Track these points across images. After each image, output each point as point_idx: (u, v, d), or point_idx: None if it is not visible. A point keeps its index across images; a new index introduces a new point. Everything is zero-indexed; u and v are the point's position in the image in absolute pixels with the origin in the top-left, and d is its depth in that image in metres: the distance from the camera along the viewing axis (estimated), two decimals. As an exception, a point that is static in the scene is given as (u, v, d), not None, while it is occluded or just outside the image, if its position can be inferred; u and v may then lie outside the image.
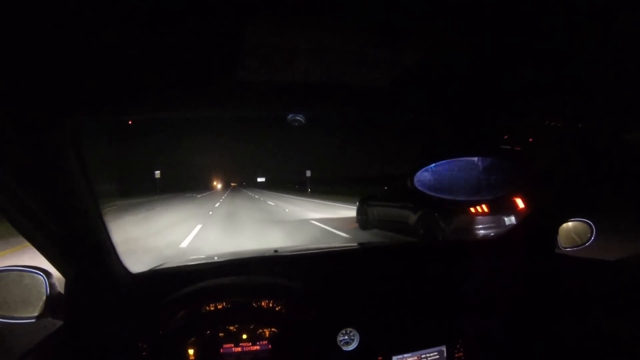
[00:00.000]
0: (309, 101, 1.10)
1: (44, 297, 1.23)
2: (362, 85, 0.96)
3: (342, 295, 1.53)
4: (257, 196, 33.43)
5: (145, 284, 1.49)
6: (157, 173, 34.26)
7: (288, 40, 0.73)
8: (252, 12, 0.66)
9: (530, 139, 1.45)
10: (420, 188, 1.28)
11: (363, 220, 9.80)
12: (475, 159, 1.30)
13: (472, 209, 5.02)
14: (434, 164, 1.27)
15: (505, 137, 1.39)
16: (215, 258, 1.96)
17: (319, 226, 10.94)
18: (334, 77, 0.90)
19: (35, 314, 1.23)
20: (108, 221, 1.29)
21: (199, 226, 11.38)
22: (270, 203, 22.59)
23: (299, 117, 1.15)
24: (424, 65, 0.88)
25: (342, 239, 8.66)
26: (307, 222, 12.10)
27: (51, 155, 1.00)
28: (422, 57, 0.83)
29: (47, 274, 1.25)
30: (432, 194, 1.30)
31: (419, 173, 1.27)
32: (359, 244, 2.07)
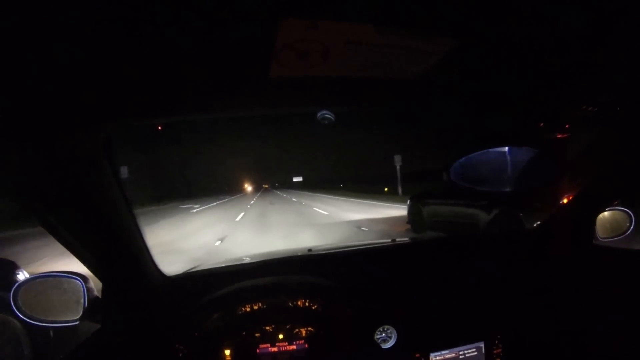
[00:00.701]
0: (343, 96, 1.09)
1: (82, 301, 1.26)
2: (395, 77, 0.94)
3: (379, 292, 1.51)
4: (290, 197, 32.46)
5: (180, 286, 1.50)
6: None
7: (322, 35, 0.72)
8: (286, 8, 0.64)
9: (567, 125, 1.40)
10: (457, 181, 1.25)
11: (416, 222, 8.89)
12: (512, 148, 1.27)
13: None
14: (470, 156, 1.24)
15: (541, 124, 1.35)
16: (249, 259, 1.97)
17: (363, 231, 9.95)
18: (368, 71, 0.89)
19: (75, 318, 1.26)
20: (142, 225, 1.31)
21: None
22: (305, 204, 21.69)
23: (328, 115, 1.13)
24: (457, 55, 0.86)
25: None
26: (348, 224, 11.07)
27: (85, 164, 1.01)
28: (455, 47, 0.81)
29: (85, 278, 1.28)
30: (470, 185, 1.27)
31: (455, 165, 1.24)
32: (392, 240, 2.05)
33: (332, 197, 28.75)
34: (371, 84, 0.98)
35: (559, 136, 1.40)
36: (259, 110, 1.12)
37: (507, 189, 1.31)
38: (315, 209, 17.96)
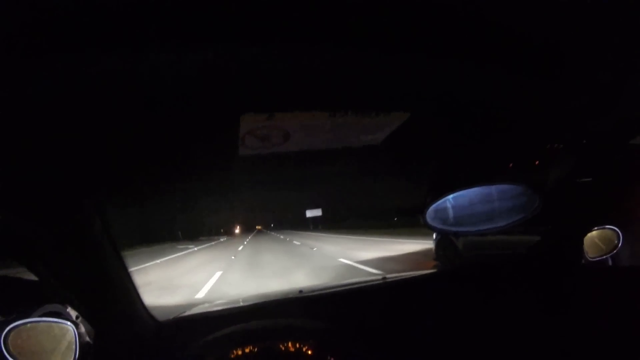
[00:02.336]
0: (309, 166, 1.12)
1: (74, 347, 1.28)
2: (355, 146, 0.97)
3: (371, 332, 1.51)
4: (283, 237, 30.62)
5: (172, 331, 1.52)
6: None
7: (280, 123, 0.75)
8: (243, 105, 0.68)
9: (537, 162, 1.42)
10: (433, 224, 1.26)
11: (449, 257, 7.34)
12: (488, 187, 1.28)
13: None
14: (446, 198, 1.25)
15: (510, 165, 1.36)
16: (240, 302, 1.98)
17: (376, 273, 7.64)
18: (328, 144, 0.91)
19: None
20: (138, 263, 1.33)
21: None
22: (301, 244, 19.24)
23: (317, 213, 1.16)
24: (414, 121, 0.88)
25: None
26: (354, 268, 9.02)
27: (79, 224, 1.07)
28: (409, 117, 0.84)
29: (76, 324, 1.30)
30: (448, 228, 1.28)
31: (431, 208, 1.25)
32: (383, 277, 2.04)
33: (327, 235, 27.06)
34: (333, 153, 1.00)
35: (533, 171, 1.42)
36: (235, 186, 1.16)
37: (488, 227, 1.32)
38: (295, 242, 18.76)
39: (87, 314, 1.27)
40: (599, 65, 0.87)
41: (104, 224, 1.12)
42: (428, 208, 1.24)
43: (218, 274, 10.13)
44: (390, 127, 0.87)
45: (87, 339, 1.32)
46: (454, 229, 1.30)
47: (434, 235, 8.04)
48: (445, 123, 1.07)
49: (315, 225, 41.48)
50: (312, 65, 0.63)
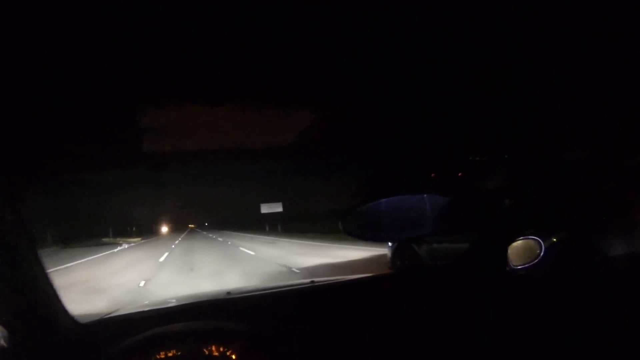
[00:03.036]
0: (220, 165, 1.13)
1: (-14, 352, 1.23)
2: (268, 145, 0.98)
3: (297, 336, 1.52)
4: (219, 238, 27.14)
5: (94, 333, 1.46)
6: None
7: (181, 117, 0.76)
8: (140, 96, 0.68)
9: (459, 174, 1.49)
10: (355, 230, 1.30)
11: (409, 267, 5.98)
12: (414, 195, 1.34)
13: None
14: (369, 204, 1.29)
15: (432, 175, 1.43)
16: (167, 303, 1.93)
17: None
18: (236, 144, 0.93)
19: None
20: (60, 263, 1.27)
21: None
22: (239, 246, 17.54)
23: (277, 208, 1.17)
24: (321, 122, 0.91)
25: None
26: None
27: None
28: (316, 117, 0.87)
29: None
30: (367, 234, 1.32)
31: (353, 214, 1.29)
32: (311, 281, 2.06)
33: (242, 234, 27.36)
34: (245, 152, 1.02)
35: (456, 182, 1.48)
36: (143, 182, 1.15)
37: (414, 234, 1.37)
38: (241, 249, 15.61)
39: None
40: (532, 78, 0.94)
41: (16, 215, 1.07)
42: (350, 214, 1.28)
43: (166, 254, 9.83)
44: (296, 127, 0.89)
45: (2, 342, 1.27)
46: (377, 234, 1.34)
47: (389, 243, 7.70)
48: (362, 123, 1.10)
49: (274, 226, 30.91)
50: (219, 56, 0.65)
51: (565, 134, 1.43)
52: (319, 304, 1.72)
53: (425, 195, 1.35)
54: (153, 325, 1.45)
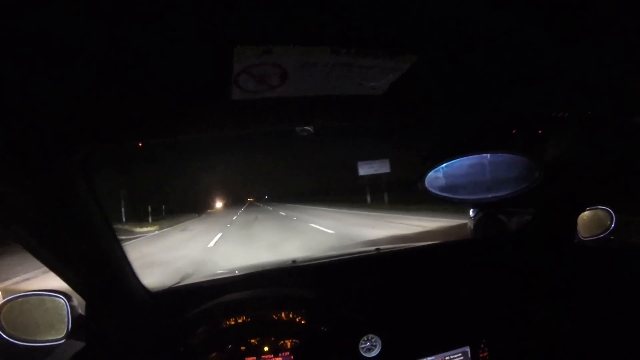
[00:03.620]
0: (309, 115, 1.10)
1: (66, 320, 1.26)
2: (359, 94, 0.95)
3: (362, 301, 1.52)
4: (278, 210, 26.20)
5: (165, 302, 1.50)
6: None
7: (277, 59, 0.73)
8: (237, 36, 0.66)
9: (540, 131, 1.42)
10: (433, 190, 1.26)
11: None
12: (488, 155, 1.28)
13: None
14: (444, 165, 1.24)
15: (514, 131, 1.36)
16: (233, 272, 1.97)
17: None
18: (330, 90, 0.90)
19: (59, 337, 1.26)
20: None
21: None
22: (298, 218, 17.28)
23: (308, 128, 1.15)
24: (420, 70, 0.87)
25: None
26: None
27: (63, 185, 1.02)
28: (415, 63, 0.82)
29: (68, 297, 1.27)
30: (445, 194, 1.28)
31: (429, 175, 1.25)
32: (376, 248, 2.05)
33: (324, 208, 23.05)
34: (335, 101, 0.99)
35: (534, 140, 1.42)
36: (227, 132, 1.13)
37: (488, 195, 1.32)
38: (312, 225, 13.44)
39: (76, 285, 1.24)
40: (616, 39, 0.88)
41: (89, 184, 1.07)
42: (426, 174, 1.24)
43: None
44: (393, 73, 0.85)
45: (80, 311, 1.30)
46: (452, 196, 1.29)
47: (471, 212, 7.28)
48: (448, 83, 1.06)
49: (378, 197, 21.26)
50: None
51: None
52: (383, 271, 1.72)
53: (503, 155, 1.29)
54: (222, 293, 1.47)
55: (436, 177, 1.26)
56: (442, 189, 1.27)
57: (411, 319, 1.51)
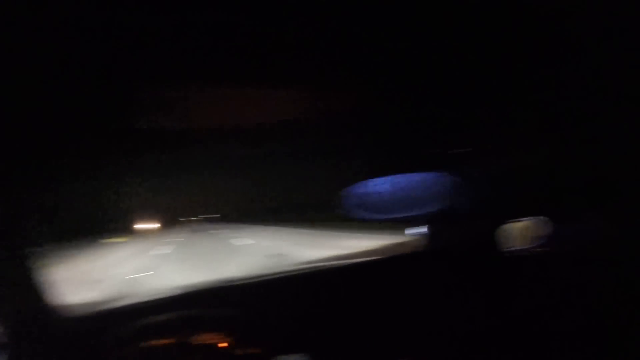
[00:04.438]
0: (211, 140, 1.11)
1: (-13, 348, 1.22)
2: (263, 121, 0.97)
3: (291, 320, 1.53)
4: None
5: (90, 326, 1.47)
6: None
7: (184, 91, 0.74)
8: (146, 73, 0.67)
9: (462, 150, 1.46)
10: (353, 210, 1.28)
11: None
12: (411, 175, 1.31)
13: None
14: (364, 185, 1.27)
15: (433, 153, 1.41)
16: (161, 293, 1.93)
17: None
18: (237, 120, 0.91)
19: None
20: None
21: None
22: None
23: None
24: (328, 95, 0.89)
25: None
26: None
27: None
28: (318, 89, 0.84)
29: None
30: (365, 215, 1.30)
31: (349, 195, 1.27)
32: (307, 266, 2.04)
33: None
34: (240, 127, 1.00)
35: (457, 159, 1.46)
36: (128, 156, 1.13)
37: (411, 214, 1.35)
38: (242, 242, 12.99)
39: None
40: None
41: (8, 207, 1.08)
42: (347, 194, 1.26)
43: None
44: (300, 100, 0.86)
45: (4, 339, 1.26)
46: (375, 216, 1.32)
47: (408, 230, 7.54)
48: (371, 105, 1.08)
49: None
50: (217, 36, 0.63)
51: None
52: (313, 290, 1.72)
53: (425, 174, 1.33)
54: (145, 315, 1.45)
55: (357, 197, 1.28)
56: (364, 209, 1.29)
57: (342, 337, 1.53)
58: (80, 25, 0.62)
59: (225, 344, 1.44)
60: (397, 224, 1.55)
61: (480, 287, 1.74)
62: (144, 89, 0.85)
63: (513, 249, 1.83)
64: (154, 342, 1.40)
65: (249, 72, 0.78)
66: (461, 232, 1.83)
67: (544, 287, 1.71)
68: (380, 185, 1.29)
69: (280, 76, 0.81)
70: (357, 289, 1.69)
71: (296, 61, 0.77)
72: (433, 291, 1.71)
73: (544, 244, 1.85)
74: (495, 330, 1.66)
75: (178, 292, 1.74)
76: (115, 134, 1.05)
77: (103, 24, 0.62)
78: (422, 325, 1.60)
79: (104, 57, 0.69)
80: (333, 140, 1.35)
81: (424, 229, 1.91)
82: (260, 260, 8.34)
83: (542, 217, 1.85)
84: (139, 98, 0.90)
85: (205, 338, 1.44)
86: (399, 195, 1.31)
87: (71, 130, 0.99)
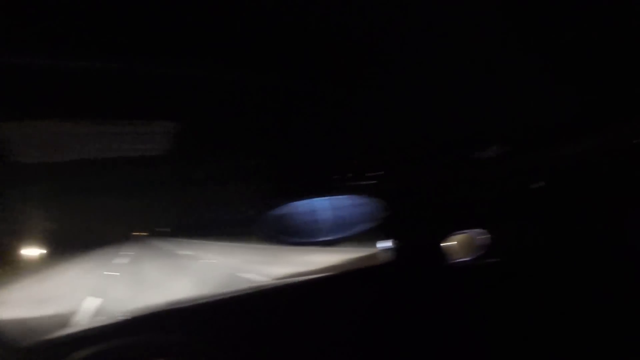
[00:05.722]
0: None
1: None
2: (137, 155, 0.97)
3: (234, 344, 1.50)
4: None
5: (32, 357, 1.42)
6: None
7: (37, 130, 0.75)
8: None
9: (377, 171, 1.49)
10: (269, 235, 1.29)
11: None
12: (328, 197, 1.33)
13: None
14: (284, 208, 1.27)
15: (349, 175, 1.43)
16: (107, 319, 1.88)
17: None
18: (104, 153, 0.92)
19: None
20: None
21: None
22: None
23: None
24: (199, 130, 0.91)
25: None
26: None
27: None
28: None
29: None
30: (287, 239, 1.30)
31: (268, 218, 1.27)
32: (252, 285, 2.04)
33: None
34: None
35: (373, 179, 1.48)
36: None
37: (330, 238, 1.36)
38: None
39: None
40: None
41: None
42: (262, 218, 1.26)
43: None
44: (163, 136, 0.88)
45: None
46: (293, 239, 1.32)
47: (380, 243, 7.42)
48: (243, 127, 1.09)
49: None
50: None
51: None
52: (259, 310, 1.70)
53: (341, 197, 1.34)
54: (92, 343, 1.42)
55: (274, 221, 1.29)
56: (281, 232, 1.30)
57: (291, 355, 1.51)
58: None
59: None
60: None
61: (425, 300, 1.75)
62: None
63: (455, 260, 1.86)
64: None
65: None
66: (400, 247, 1.85)
67: (490, 297, 1.73)
68: (303, 207, 1.30)
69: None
70: (311, 306, 1.68)
71: None
72: (380, 307, 1.72)
73: (484, 255, 1.89)
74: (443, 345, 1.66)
75: (126, 317, 1.70)
76: None
77: None
78: (369, 345, 1.60)
79: None
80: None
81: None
82: (212, 279, 8.41)
83: (479, 229, 1.90)
84: None
85: None
86: (323, 217, 1.32)
87: None
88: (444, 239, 1.83)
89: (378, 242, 1.84)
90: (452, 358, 1.66)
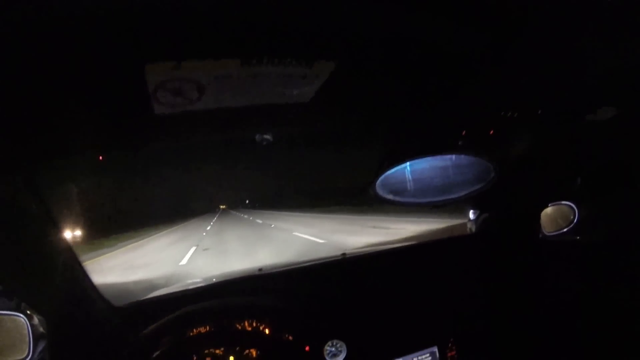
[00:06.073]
0: (233, 125, 1.12)
1: (27, 340, 1.25)
2: (283, 103, 0.97)
3: (325, 307, 1.53)
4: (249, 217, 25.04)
5: (129, 316, 1.49)
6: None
7: (189, 74, 0.75)
8: (145, 54, 0.68)
9: (491, 131, 1.43)
10: (383, 195, 1.27)
11: None
12: (438, 157, 1.30)
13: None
14: (394, 168, 1.25)
15: (463, 132, 1.37)
16: (202, 282, 1.97)
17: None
18: (250, 100, 0.91)
19: (22, 357, 1.24)
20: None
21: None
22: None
23: (267, 137, 1.17)
24: (345, 75, 0.89)
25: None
26: None
27: (8, 203, 1.03)
28: (336, 69, 0.84)
29: (29, 315, 1.27)
30: (397, 199, 1.29)
31: (380, 180, 1.26)
32: (342, 254, 2.06)
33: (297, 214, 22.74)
34: (259, 110, 1.01)
35: (486, 141, 1.43)
36: (157, 145, 1.15)
37: (442, 198, 1.33)
38: (294, 233, 12.54)
39: (34, 303, 1.24)
40: (561, 35, 0.90)
41: (37, 200, 1.08)
42: (377, 179, 1.25)
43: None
44: (318, 79, 0.86)
45: (42, 329, 1.30)
46: (406, 200, 1.30)
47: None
48: (384, 88, 1.07)
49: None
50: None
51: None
52: (348, 276, 1.73)
53: (453, 156, 1.31)
54: (186, 304, 1.47)
55: (387, 182, 1.27)
56: (394, 193, 1.28)
57: (376, 322, 1.51)
58: None
59: (267, 330, 1.45)
60: (433, 209, 1.51)
61: (517, 271, 1.70)
62: None
63: (543, 234, 1.79)
64: (196, 330, 1.41)
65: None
66: (498, 216, 1.81)
67: (576, 272, 1.66)
68: (410, 168, 1.27)
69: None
70: (388, 274, 1.68)
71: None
72: (472, 276, 1.71)
73: (573, 229, 1.81)
74: (531, 316, 1.62)
75: (217, 280, 1.77)
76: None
77: None
78: (453, 311, 1.58)
79: None
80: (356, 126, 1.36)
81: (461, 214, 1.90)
82: (299, 248, 8.69)
83: (570, 203, 1.82)
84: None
85: (247, 325, 1.45)
86: (432, 178, 1.29)
87: None
88: (543, 209, 1.78)
89: (475, 210, 1.81)
90: (545, 328, 1.62)
